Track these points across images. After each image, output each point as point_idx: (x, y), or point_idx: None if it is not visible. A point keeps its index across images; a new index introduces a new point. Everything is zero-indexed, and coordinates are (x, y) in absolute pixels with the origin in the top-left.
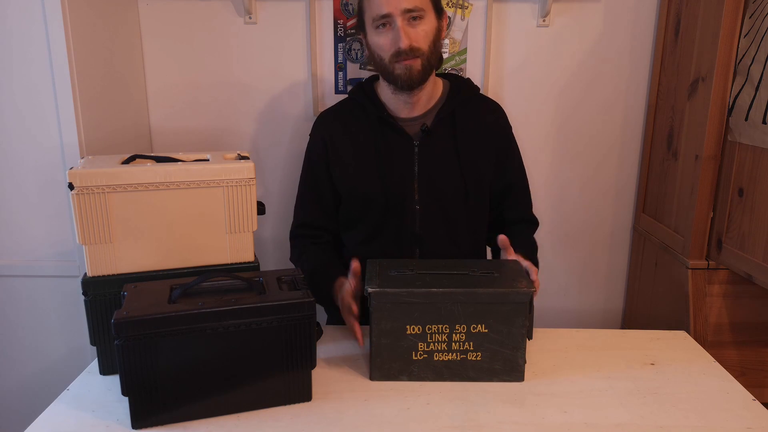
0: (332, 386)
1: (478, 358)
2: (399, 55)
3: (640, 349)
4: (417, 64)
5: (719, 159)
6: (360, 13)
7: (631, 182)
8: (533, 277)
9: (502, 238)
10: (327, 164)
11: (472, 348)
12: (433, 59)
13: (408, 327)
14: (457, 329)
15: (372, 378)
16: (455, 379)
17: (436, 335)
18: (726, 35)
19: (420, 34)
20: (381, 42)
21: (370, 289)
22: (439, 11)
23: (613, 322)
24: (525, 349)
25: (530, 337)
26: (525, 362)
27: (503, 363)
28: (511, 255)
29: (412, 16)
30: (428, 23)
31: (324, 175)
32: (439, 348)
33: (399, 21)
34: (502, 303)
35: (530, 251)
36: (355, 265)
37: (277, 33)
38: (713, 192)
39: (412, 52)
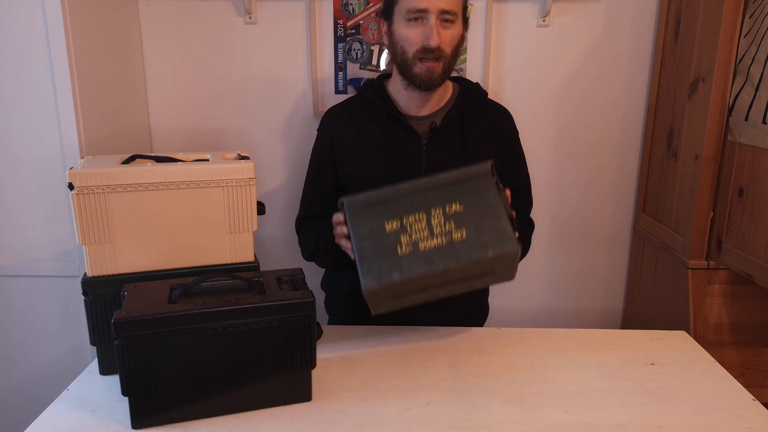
0: (332, 386)
1: (464, 237)
2: (425, 52)
3: (640, 349)
4: (438, 67)
5: (719, 159)
6: (389, 1)
7: (631, 182)
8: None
9: None
10: (333, 160)
11: (454, 227)
12: (452, 64)
13: (386, 224)
14: (434, 214)
15: (365, 286)
16: (449, 262)
17: (416, 224)
18: (726, 35)
19: (448, 38)
20: (410, 35)
21: (342, 199)
22: (465, 21)
23: (613, 322)
24: (509, 218)
25: (510, 212)
26: (515, 230)
27: (491, 234)
28: None
29: (446, 18)
30: (456, 29)
31: (329, 171)
32: (422, 236)
33: (433, 19)
34: (466, 180)
35: (528, 226)
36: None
37: (277, 33)
38: (713, 192)
39: (437, 52)
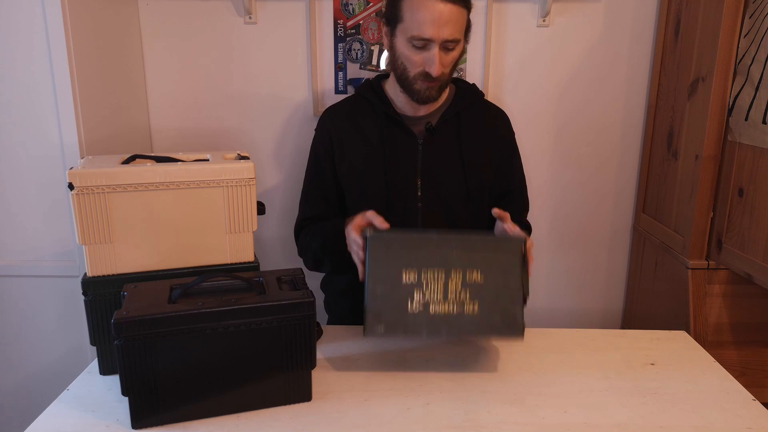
0: (332, 386)
1: (475, 311)
2: (426, 77)
3: (640, 349)
4: (437, 85)
5: (719, 159)
6: (394, 10)
7: (631, 182)
8: (528, 245)
9: (496, 211)
10: (332, 159)
11: (468, 298)
12: (450, 77)
13: (404, 272)
14: (453, 276)
15: (367, 333)
16: (452, 334)
17: (432, 283)
18: (726, 35)
19: (448, 61)
20: (413, 58)
21: (368, 233)
22: (466, 34)
23: (613, 322)
24: (523, 305)
25: (527, 294)
26: (523, 319)
27: (501, 316)
28: (507, 222)
29: (448, 46)
30: (457, 50)
31: (329, 170)
32: (436, 298)
33: (436, 48)
34: (496, 251)
35: (524, 229)
36: (371, 213)
37: (277, 33)
38: (713, 192)
39: (438, 78)
